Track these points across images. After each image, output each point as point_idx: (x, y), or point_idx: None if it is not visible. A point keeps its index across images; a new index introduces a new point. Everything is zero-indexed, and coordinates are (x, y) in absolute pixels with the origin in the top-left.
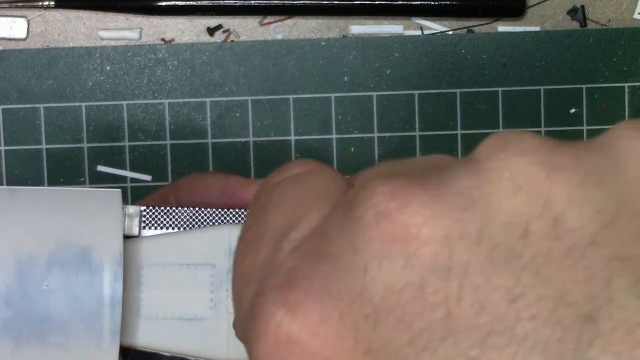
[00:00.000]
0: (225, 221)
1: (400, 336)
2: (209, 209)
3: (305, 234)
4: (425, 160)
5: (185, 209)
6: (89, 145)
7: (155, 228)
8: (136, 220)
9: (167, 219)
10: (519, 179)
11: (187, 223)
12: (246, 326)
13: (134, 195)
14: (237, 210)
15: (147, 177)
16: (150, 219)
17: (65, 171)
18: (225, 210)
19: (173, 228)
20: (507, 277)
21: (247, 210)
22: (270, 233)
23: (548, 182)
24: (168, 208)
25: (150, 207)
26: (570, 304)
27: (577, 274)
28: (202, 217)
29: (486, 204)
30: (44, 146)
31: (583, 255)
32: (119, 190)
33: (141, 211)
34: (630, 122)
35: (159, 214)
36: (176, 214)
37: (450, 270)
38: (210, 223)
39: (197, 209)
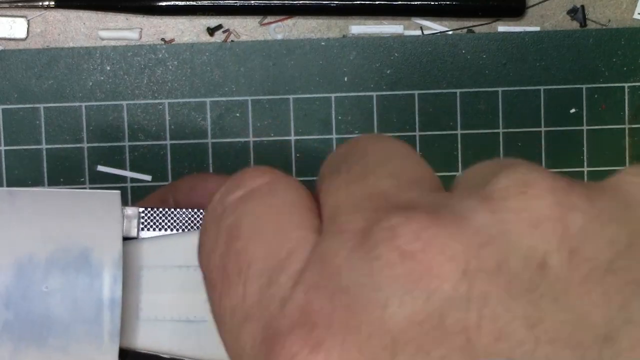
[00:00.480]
0: None
1: None
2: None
3: (302, 266)
4: (394, 166)
5: (184, 210)
6: (89, 145)
7: (154, 229)
8: (135, 222)
9: (166, 220)
10: (537, 219)
11: (186, 224)
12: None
13: (134, 195)
14: None
15: (147, 177)
16: (149, 220)
17: (65, 171)
18: None
19: (172, 229)
20: (525, 305)
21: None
22: (256, 266)
23: (564, 221)
24: (167, 209)
25: (149, 209)
26: (589, 327)
27: (594, 298)
28: (201, 218)
29: (504, 241)
30: (44, 146)
31: (600, 282)
32: (119, 192)
33: (140, 212)
34: (634, 167)
35: (158, 215)
36: (175, 215)
37: (469, 301)
38: None
39: (195, 210)
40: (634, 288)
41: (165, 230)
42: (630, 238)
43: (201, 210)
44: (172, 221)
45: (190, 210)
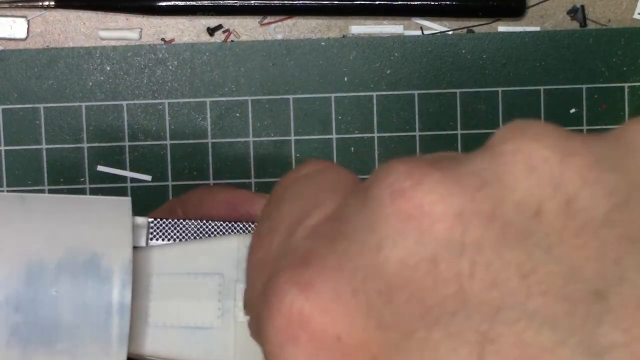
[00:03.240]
0: (232, 233)
1: (412, 311)
2: (216, 222)
3: (319, 221)
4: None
5: (193, 221)
6: (89, 145)
7: (163, 240)
8: (144, 232)
9: (175, 231)
10: (533, 162)
11: (195, 235)
12: (258, 308)
13: (134, 195)
14: (244, 223)
15: (147, 177)
16: (157, 231)
17: (65, 171)
18: (233, 223)
19: (180, 240)
20: (519, 253)
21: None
22: (284, 224)
23: (561, 165)
24: (175, 220)
25: (158, 219)
26: (581, 281)
27: (588, 252)
28: (210, 229)
29: (500, 185)
30: (44, 146)
31: (595, 234)
32: (129, 198)
33: (149, 222)
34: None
35: (167, 225)
36: (183, 226)
37: (463, 246)
38: (218, 235)
39: (204, 221)
40: (628, 244)
41: (174, 240)
42: (629, 189)
43: (209, 221)
44: (180, 232)
45: (199, 221)
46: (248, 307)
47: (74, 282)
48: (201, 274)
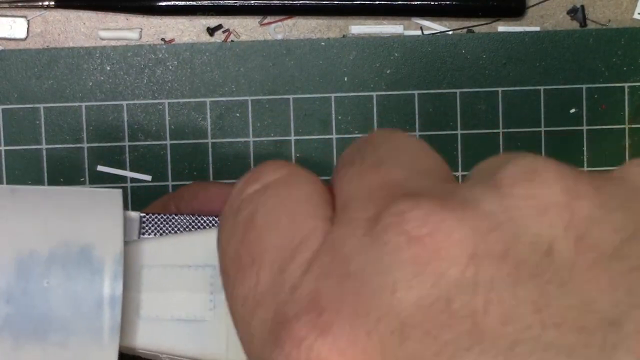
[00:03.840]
0: None
1: (426, 348)
2: (209, 217)
3: (313, 255)
4: (408, 157)
5: (185, 215)
6: (89, 145)
7: (155, 234)
8: (136, 226)
9: (167, 226)
10: (544, 206)
11: (186, 229)
12: (266, 353)
13: (134, 195)
14: None
15: (147, 177)
16: (150, 225)
17: (65, 171)
18: None
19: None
20: (532, 290)
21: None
22: (269, 255)
23: (571, 208)
24: (168, 215)
25: (150, 214)
26: (594, 311)
27: (600, 284)
28: (202, 224)
29: (512, 227)
30: (44, 146)
31: (606, 268)
32: (120, 190)
33: (141, 217)
34: None
35: (159, 220)
36: (176, 220)
37: (476, 285)
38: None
39: (197, 216)
40: (638, 274)
41: (166, 235)
42: (636, 225)
43: (201, 216)
44: (173, 226)
45: (191, 216)
46: (245, 345)
47: (66, 274)
48: (193, 266)
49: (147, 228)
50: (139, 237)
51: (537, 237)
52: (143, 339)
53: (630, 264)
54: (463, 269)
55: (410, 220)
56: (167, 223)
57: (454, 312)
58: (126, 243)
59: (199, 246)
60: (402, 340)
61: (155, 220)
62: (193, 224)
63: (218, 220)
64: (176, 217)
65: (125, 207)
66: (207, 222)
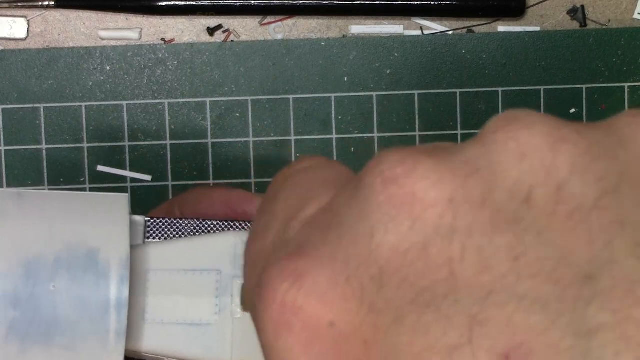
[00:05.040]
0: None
1: (403, 295)
2: (213, 221)
3: (313, 213)
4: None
5: (189, 220)
6: (89, 145)
7: (160, 238)
8: (141, 230)
9: (172, 230)
10: (524, 149)
11: (191, 234)
12: (254, 300)
13: (134, 195)
14: (240, 222)
15: (147, 177)
16: (154, 230)
17: (65, 171)
18: (229, 222)
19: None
20: (509, 238)
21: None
22: (279, 218)
23: (552, 152)
24: (172, 219)
25: (155, 218)
26: (570, 264)
27: (578, 236)
28: (206, 228)
29: (491, 172)
30: (44, 146)
31: (585, 219)
32: (126, 194)
33: (146, 221)
34: (634, 109)
35: (164, 225)
36: (180, 225)
37: (453, 231)
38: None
39: (201, 220)
40: (618, 227)
41: (171, 239)
42: (619, 176)
43: (206, 221)
44: (177, 231)
45: (195, 220)
46: (246, 301)
47: (72, 277)
48: (198, 271)
49: (151, 232)
50: (143, 242)
51: (516, 184)
52: (149, 343)
53: (609, 217)
54: (440, 213)
55: (386, 162)
56: (171, 227)
57: (430, 259)
58: (132, 247)
59: (205, 250)
60: (380, 286)
61: (160, 224)
62: (198, 228)
63: (222, 224)
64: (181, 222)
65: (130, 211)
66: (212, 226)
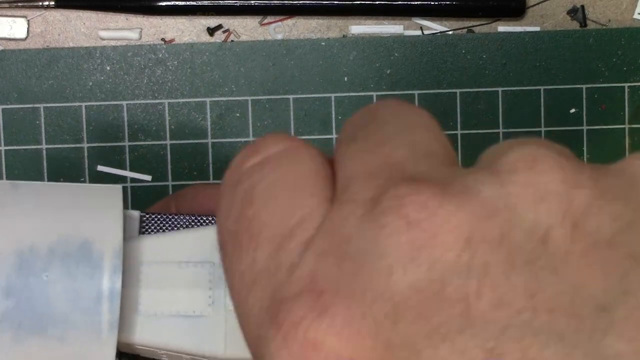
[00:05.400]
0: None
1: (418, 330)
2: (208, 216)
3: (312, 234)
4: (412, 137)
5: (184, 215)
6: (89, 145)
7: (155, 233)
8: (136, 224)
9: (167, 225)
10: (542, 194)
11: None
12: (262, 332)
13: (134, 195)
14: None
15: (147, 177)
16: (150, 224)
17: (65, 171)
18: None
19: None
20: (526, 275)
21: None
22: (267, 232)
23: (568, 197)
24: (168, 214)
25: (150, 213)
26: (586, 297)
27: (593, 270)
28: (202, 224)
29: (509, 213)
30: (44, 146)
31: (600, 255)
32: (120, 186)
33: (141, 216)
34: None
35: (159, 219)
36: (175, 220)
37: (470, 269)
38: None
39: (196, 215)
40: (632, 261)
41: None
42: (632, 215)
43: (202, 216)
44: (172, 226)
45: (190, 215)
46: (242, 324)
47: (65, 268)
48: (192, 263)
49: (147, 227)
50: (137, 236)
51: (533, 224)
52: (142, 335)
53: (624, 251)
54: (459, 253)
55: (409, 205)
56: (167, 222)
57: (447, 296)
58: (125, 240)
59: (198, 243)
60: (395, 322)
61: (156, 219)
62: (193, 223)
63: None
64: (176, 217)
65: (125, 207)
66: (207, 221)
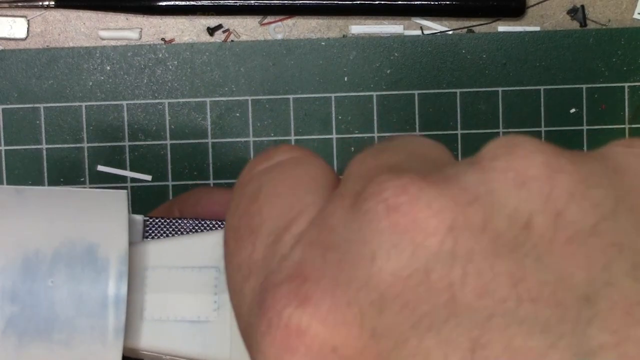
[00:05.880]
0: None
1: (404, 320)
2: (211, 220)
3: (305, 227)
4: (413, 147)
5: (188, 220)
6: (89, 145)
7: (158, 237)
8: (140, 229)
9: (170, 230)
10: (523, 178)
11: (190, 233)
12: (252, 320)
13: (134, 195)
14: None
15: (147, 177)
16: (153, 229)
17: (65, 171)
18: None
19: None
20: (509, 263)
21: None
22: (266, 225)
23: (550, 181)
24: (171, 219)
25: (154, 218)
26: (570, 288)
27: (577, 260)
28: (206, 228)
29: (491, 199)
30: (44, 146)
31: (583, 244)
32: (125, 190)
33: (145, 220)
34: (624, 139)
35: (163, 224)
36: (179, 224)
37: (454, 257)
38: None
39: (199, 220)
40: (616, 251)
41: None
42: (615, 203)
43: (205, 220)
44: (175, 230)
45: (194, 220)
46: (237, 313)
47: (70, 273)
48: (197, 268)
49: (150, 231)
50: (142, 240)
51: (515, 211)
52: (147, 340)
53: (607, 240)
54: (441, 240)
55: (388, 189)
56: (170, 227)
57: (431, 284)
58: (130, 245)
59: (203, 247)
60: (381, 311)
61: (159, 224)
62: (196, 227)
63: (221, 224)
64: (179, 221)
65: (131, 211)
66: (211, 225)
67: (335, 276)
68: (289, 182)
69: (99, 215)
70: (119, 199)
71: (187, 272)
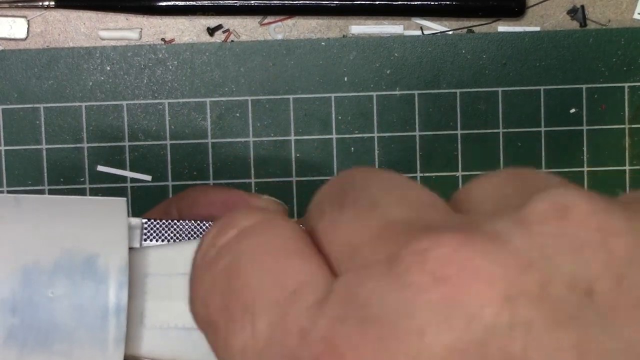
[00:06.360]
0: None
1: None
2: (210, 222)
3: (319, 298)
4: (403, 192)
5: (186, 221)
6: (89, 145)
7: (157, 240)
8: (138, 232)
9: (169, 232)
10: (579, 244)
11: (189, 235)
12: None
13: (134, 195)
14: None
15: (147, 177)
16: (152, 232)
17: (65, 171)
18: None
19: (174, 240)
20: (573, 333)
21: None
22: (263, 299)
23: (606, 247)
24: (169, 220)
25: (152, 220)
26: (638, 354)
27: None
28: (204, 230)
29: (546, 265)
30: (44, 146)
31: None
32: (124, 198)
33: (143, 223)
34: None
35: (161, 226)
36: (178, 226)
37: (513, 328)
38: None
39: (198, 221)
40: None
41: (168, 241)
42: None
43: (204, 222)
44: (174, 232)
45: (192, 221)
46: None
47: (70, 284)
48: None
49: (149, 234)
50: (140, 244)
51: (574, 277)
52: (147, 348)
53: None
54: (498, 310)
55: (434, 259)
56: (169, 229)
57: (490, 358)
58: (130, 251)
59: None
60: None
61: (157, 226)
62: (195, 229)
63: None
64: (178, 223)
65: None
66: (209, 228)
67: (377, 352)
68: (270, 249)
69: (99, 225)
70: (119, 207)
71: (187, 279)
